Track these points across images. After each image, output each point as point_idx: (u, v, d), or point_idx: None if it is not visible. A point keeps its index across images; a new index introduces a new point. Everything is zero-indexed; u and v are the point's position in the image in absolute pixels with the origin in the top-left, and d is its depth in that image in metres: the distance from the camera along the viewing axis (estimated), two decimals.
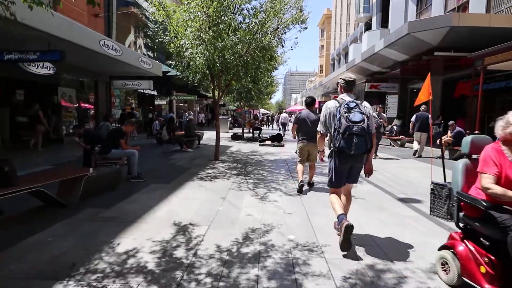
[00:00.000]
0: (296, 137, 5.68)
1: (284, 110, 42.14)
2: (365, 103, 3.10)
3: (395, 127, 14.49)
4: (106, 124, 7.56)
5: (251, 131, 17.58)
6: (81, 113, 13.91)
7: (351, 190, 3.45)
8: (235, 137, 16.15)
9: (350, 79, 3.19)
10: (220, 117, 25.03)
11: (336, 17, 43.93)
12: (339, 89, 3.30)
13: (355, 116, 2.86)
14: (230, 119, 24.86)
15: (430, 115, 6.64)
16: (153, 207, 4.34)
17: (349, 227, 2.85)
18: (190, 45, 6.67)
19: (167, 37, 7.23)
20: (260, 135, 16.51)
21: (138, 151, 6.18)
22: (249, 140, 15.54)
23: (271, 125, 30.07)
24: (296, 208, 4.45)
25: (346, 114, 2.89)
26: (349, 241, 2.88)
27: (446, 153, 9.90)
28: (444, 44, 12.93)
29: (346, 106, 2.93)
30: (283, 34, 7.47)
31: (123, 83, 15.62)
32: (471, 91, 12.58)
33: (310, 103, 5.54)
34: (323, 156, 3.59)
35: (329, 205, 3.37)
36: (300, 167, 5.50)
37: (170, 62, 7.81)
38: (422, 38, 12.89)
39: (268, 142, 13.35)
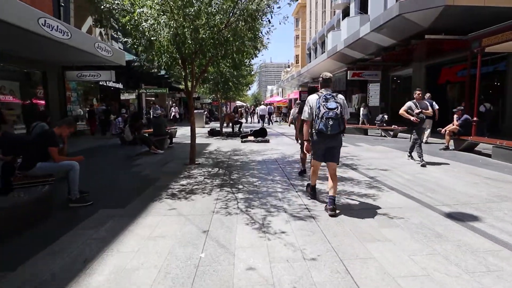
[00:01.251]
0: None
1: (262, 102, 40.53)
2: (339, 95, 3.77)
3: (385, 116, 13.34)
4: (40, 125, 5.62)
5: (230, 125, 15.86)
6: (27, 111, 11.62)
7: (336, 171, 3.94)
8: (212, 133, 14.42)
9: (327, 77, 3.90)
10: (195, 111, 23.24)
11: (311, 5, 42.65)
12: (319, 85, 3.96)
13: (331, 105, 3.62)
14: (205, 112, 22.94)
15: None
16: (90, 262, 2.64)
17: (314, 196, 4.38)
18: (151, 13, 4.89)
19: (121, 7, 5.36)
20: (241, 130, 14.87)
21: (81, 162, 4.40)
22: (229, 136, 13.87)
23: (250, 119, 28.13)
24: (319, 245, 2.90)
25: (324, 103, 3.64)
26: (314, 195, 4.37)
27: (451, 143, 8.78)
28: (435, 26, 11.82)
29: (324, 97, 3.69)
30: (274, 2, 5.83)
31: (79, 74, 13.45)
32: (457, 76, 11.64)
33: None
34: (310, 149, 4.05)
35: (367, 238, 3.11)
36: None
37: (126, 39, 5.93)
38: (413, 20, 11.69)
39: (251, 138, 11.76)
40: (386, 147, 9.87)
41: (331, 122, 3.59)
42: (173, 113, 17.41)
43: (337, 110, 3.61)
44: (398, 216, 3.60)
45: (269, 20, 6.74)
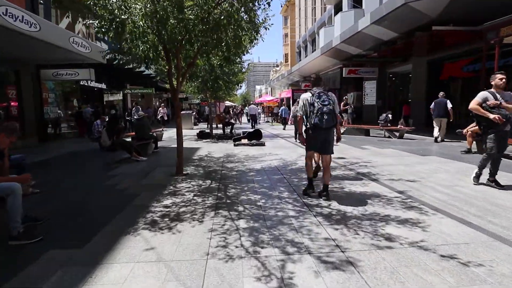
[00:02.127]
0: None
1: (251, 102, 39.33)
2: (330, 93, 4.18)
3: (390, 115, 12.40)
4: None
5: (221, 127, 14.65)
6: None
7: (330, 162, 4.32)
8: (202, 136, 13.22)
9: (316, 78, 4.41)
10: (182, 112, 21.87)
11: (300, 3, 41.74)
12: (311, 84, 4.68)
13: (325, 101, 4.01)
14: (194, 113, 21.64)
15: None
16: None
17: (312, 188, 4.53)
18: None
19: None
20: (233, 132, 13.69)
21: (26, 183, 3.19)
22: (220, 138, 12.69)
23: (239, 119, 26.86)
24: None
25: (318, 100, 4.04)
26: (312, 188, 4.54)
27: (474, 145, 7.84)
28: (444, 16, 10.91)
29: (317, 94, 4.09)
30: None
31: (55, 73, 12.08)
32: (462, 72, 10.86)
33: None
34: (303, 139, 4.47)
35: None
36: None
37: (91, 21, 4.69)
38: (419, 9, 10.73)
39: (245, 141, 10.62)
40: (396, 149, 8.88)
41: (325, 117, 3.96)
42: (160, 114, 16.09)
43: (330, 106, 3.98)
44: (473, 260, 2.51)
45: (268, 3, 5.64)
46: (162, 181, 5.59)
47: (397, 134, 11.76)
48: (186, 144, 11.39)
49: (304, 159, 4.59)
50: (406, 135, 11.77)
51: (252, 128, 22.91)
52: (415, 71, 16.93)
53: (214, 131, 14.05)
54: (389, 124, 12.35)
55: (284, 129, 18.66)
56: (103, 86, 18.49)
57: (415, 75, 16.91)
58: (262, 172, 6.22)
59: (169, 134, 15.22)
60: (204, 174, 6.16)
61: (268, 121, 25.63)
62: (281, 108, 22.48)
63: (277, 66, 71.25)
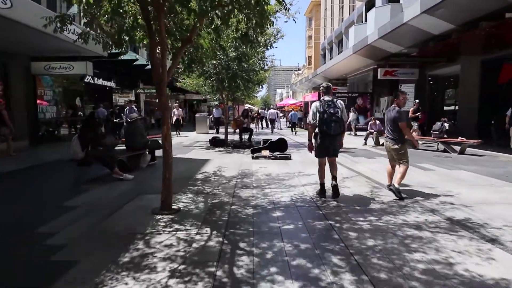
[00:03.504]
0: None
1: (271, 106, 37.04)
2: (339, 101, 4.35)
3: (446, 124, 9.85)
4: None
5: (238, 133, 12.46)
6: None
7: (335, 160, 4.62)
8: (215, 143, 11.11)
9: (328, 86, 4.56)
10: (197, 114, 19.92)
11: (326, 3, 39.25)
12: (320, 92, 4.57)
13: (333, 110, 4.19)
14: (210, 116, 19.57)
15: None
16: None
17: (324, 192, 4.62)
18: None
19: None
20: (252, 140, 11.50)
21: None
22: (236, 147, 10.53)
23: (259, 124, 24.43)
24: None
25: (327, 108, 4.20)
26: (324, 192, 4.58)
27: None
28: None
29: (326, 103, 4.25)
30: None
31: (47, 66, 10.33)
32: None
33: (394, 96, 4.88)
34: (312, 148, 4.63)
35: None
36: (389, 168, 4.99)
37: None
38: None
39: (266, 153, 8.38)
40: (471, 172, 6.41)
41: (333, 125, 4.19)
42: (175, 117, 14.11)
43: (338, 114, 4.20)
44: None
45: None
46: (132, 225, 3.45)
47: (455, 148, 9.17)
48: (193, 154, 9.31)
49: (317, 170, 4.78)
50: (468, 149, 9.18)
51: (271, 133, 21.35)
52: (464, 73, 14.18)
53: (230, 137, 11.91)
54: (445, 136, 9.80)
55: (295, 134, 18.19)
56: (112, 84, 16.83)
57: (464, 78, 14.16)
58: (293, 211, 3.97)
59: (180, 140, 13.25)
60: (203, 211, 3.98)
61: (289, 127, 23.31)
62: (290, 113, 21.32)
63: (299, 69, 68.78)
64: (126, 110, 11.56)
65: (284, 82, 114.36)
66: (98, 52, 10.49)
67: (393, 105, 4.74)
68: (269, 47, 11.34)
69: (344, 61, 19.44)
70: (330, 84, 4.63)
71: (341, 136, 4.45)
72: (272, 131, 20.47)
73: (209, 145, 11.30)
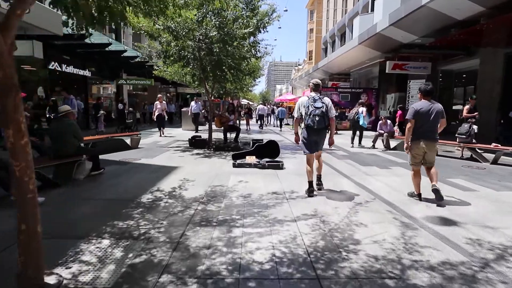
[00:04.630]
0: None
1: (260, 102, 34.99)
2: (326, 98, 4.47)
3: (474, 127, 7.97)
4: None
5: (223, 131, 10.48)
6: None
7: (320, 156, 4.74)
8: (195, 143, 9.21)
9: (317, 83, 4.53)
10: (183, 109, 17.84)
11: None
12: (309, 89, 4.61)
13: (318, 104, 4.24)
14: (203, 111, 17.33)
15: None
16: None
17: (312, 191, 4.42)
18: None
19: None
20: (238, 140, 9.56)
21: None
22: (218, 149, 8.62)
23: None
24: None
25: (312, 103, 4.26)
26: (312, 191, 4.42)
27: None
28: None
29: (312, 98, 4.30)
30: None
31: None
32: None
33: (430, 91, 4.23)
34: (298, 140, 4.61)
35: None
36: (415, 178, 4.35)
37: None
38: None
39: (251, 159, 6.47)
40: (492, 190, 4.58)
41: (317, 118, 4.20)
42: (157, 112, 12.02)
43: (323, 108, 4.22)
44: None
45: None
46: None
47: (478, 153, 7.29)
48: (163, 158, 7.39)
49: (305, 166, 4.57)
50: (503, 157, 7.33)
51: (260, 129, 18.74)
52: (484, 68, 12.30)
53: (217, 136, 9.99)
54: (474, 141, 7.92)
55: (280, 130, 17.33)
56: (87, 73, 14.83)
57: (484, 73, 12.28)
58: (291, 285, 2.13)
59: (158, 139, 11.33)
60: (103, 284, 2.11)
61: (288, 124, 21.36)
62: (278, 109, 20.03)
63: (299, 65, 66.67)
64: (63, 101, 9.28)
65: (284, 78, 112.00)
66: (50, 29, 8.62)
67: (427, 101, 4.19)
68: (262, 30, 9.39)
69: (348, 53, 17.49)
70: (320, 82, 4.66)
71: (330, 132, 4.54)
72: (262, 127, 18.91)
73: (188, 145, 9.41)
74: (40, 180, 4.47)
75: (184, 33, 8.13)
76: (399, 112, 13.56)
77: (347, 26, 28.71)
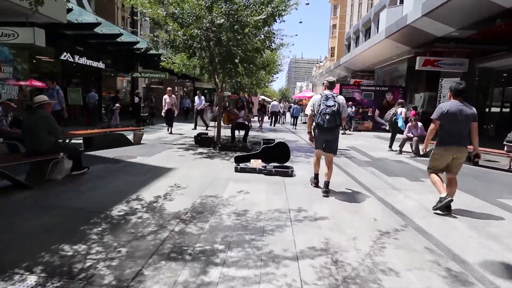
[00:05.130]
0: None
1: (282, 98, 33.93)
2: (339, 96, 4.30)
3: None
4: None
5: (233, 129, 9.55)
6: None
7: (332, 160, 4.45)
8: (200, 141, 8.42)
9: (332, 81, 4.46)
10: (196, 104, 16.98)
11: None
12: (323, 87, 4.50)
13: (329, 103, 4.13)
14: (208, 105, 16.00)
15: None
16: None
17: (317, 183, 4.59)
18: None
19: None
20: (247, 140, 8.66)
21: None
22: (224, 149, 7.78)
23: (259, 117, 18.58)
24: None
25: (324, 101, 4.17)
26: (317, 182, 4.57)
27: None
28: None
29: (325, 96, 4.21)
30: None
31: None
32: None
33: (461, 91, 3.73)
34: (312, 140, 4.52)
35: None
36: (436, 178, 3.86)
37: None
38: None
39: (256, 163, 5.56)
40: None
41: (327, 117, 4.10)
42: (166, 106, 11.19)
43: (334, 107, 4.11)
44: None
45: None
46: None
47: None
48: (160, 157, 6.57)
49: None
50: None
51: (273, 126, 17.76)
52: None
53: (225, 134, 9.13)
54: None
55: (294, 129, 16.60)
56: (101, 65, 14.39)
57: None
58: None
59: (165, 135, 10.63)
60: None
61: (305, 122, 20.27)
62: (293, 107, 19.45)
63: (321, 62, 64.83)
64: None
65: (305, 75, 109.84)
66: (53, 16, 8.04)
67: (457, 101, 3.73)
68: (277, 18, 8.44)
69: (373, 48, 16.16)
70: (335, 80, 4.65)
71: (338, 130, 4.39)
72: (274, 124, 18.18)
73: (194, 143, 8.63)
74: (9, 180, 3.79)
75: (190, 21, 7.33)
76: (413, 112, 12.55)
77: (373, 20, 27.07)
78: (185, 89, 27.49)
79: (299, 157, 7.32)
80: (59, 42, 11.78)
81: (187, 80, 25.95)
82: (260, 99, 32.58)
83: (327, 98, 4.16)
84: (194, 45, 7.67)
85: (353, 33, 33.15)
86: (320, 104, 4.18)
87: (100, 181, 4.56)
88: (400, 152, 8.54)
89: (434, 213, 3.73)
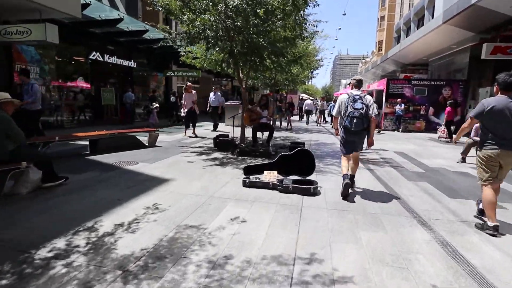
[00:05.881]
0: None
1: (300, 96, 31.69)
2: (367, 96, 4.00)
3: None
4: None
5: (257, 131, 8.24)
6: None
7: (358, 157, 4.33)
8: (219, 144, 7.39)
9: (359, 79, 4.25)
10: (227, 102, 16.00)
11: None
12: (350, 86, 4.26)
13: (358, 105, 3.88)
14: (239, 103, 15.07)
15: None
16: None
17: (347, 184, 3.86)
18: None
19: None
20: (270, 144, 7.39)
21: None
22: (243, 153, 6.63)
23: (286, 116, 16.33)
24: None
25: (351, 103, 3.92)
26: (347, 192, 3.85)
27: None
28: None
29: (353, 97, 3.95)
30: None
31: (3, 30, 7.65)
32: None
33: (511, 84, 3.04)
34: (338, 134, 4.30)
35: None
36: (491, 194, 3.05)
37: None
38: None
39: (270, 175, 4.32)
40: None
41: (355, 121, 3.86)
42: (189, 106, 9.86)
43: (362, 110, 3.85)
44: None
45: None
46: None
47: None
48: (163, 164, 5.54)
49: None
50: None
51: (306, 124, 16.72)
52: None
53: (248, 136, 7.96)
54: None
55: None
56: (132, 64, 14.12)
57: None
58: None
59: (178, 137, 9.77)
60: None
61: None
62: (330, 105, 18.34)
63: (367, 57, 60.89)
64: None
65: (350, 72, 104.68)
66: (67, 11, 7.56)
67: (505, 97, 3.02)
68: (310, 1, 7.12)
69: (427, 36, 13.89)
70: (362, 79, 4.49)
71: (369, 133, 4.06)
72: (307, 123, 17.31)
73: (213, 146, 7.63)
74: None
75: (204, 6, 6.31)
76: (448, 108, 10.60)
77: (427, 8, 24.03)
78: (222, 88, 26.94)
79: (331, 165, 5.92)
80: (88, 42, 11.60)
81: (224, 79, 25.35)
82: (300, 97, 30.93)
83: (354, 100, 3.93)
84: (211, 34, 6.64)
85: (404, 24, 30.03)
86: (347, 106, 3.97)
87: (70, 197, 3.68)
88: (463, 160, 6.69)
89: None
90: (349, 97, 3.99)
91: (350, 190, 4.03)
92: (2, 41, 7.64)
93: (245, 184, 4.29)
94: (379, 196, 4.07)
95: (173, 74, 16.94)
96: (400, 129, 13.94)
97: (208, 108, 11.95)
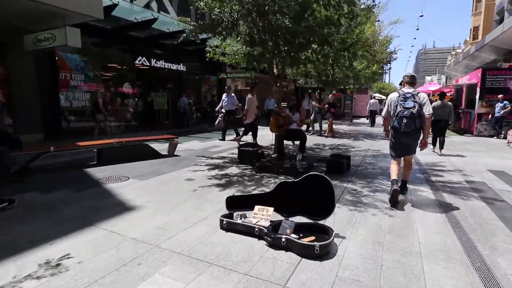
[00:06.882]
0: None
1: (372, 95, 26.69)
2: (421, 93, 3.67)
3: None
4: None
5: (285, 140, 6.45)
6: None
7: (411, 160, 3.96)
8: (242, 156, 6.04)
9: (412, 75, 3.88)
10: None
11: None
12: (403, 83, 3.94)
13: (408, 104, 3.55)
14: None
15: None
16: None
17: (396, 191, 3.49)
18: None
19: None
20: (301, 157, 5.62)
21: None
22: (264, 169, 5.16)
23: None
24: None
25: (402, 102, 3.60)
26: (396, 199, 3.51)
27: None
28: None
29: (403, 96, 3.64)
30: None
31: (34, 39, 7.70)
32: None
33: None
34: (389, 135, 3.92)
35: None
36: None
37: None
38: None
39: (261, 215, 2.80)
40: None
41: (404, 121, 3.56)
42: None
43: (413, 109, 3.54)
44: None
45: None
46: None
47: None
48: (157, 182, 4.43)
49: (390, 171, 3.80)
50: None
51: (370, 126, 14.68)
52: None
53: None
54: None
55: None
56: (181, 67, 13.81)
57: None
58: None
59: (214, 143, 8.70)
60: None
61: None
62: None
63: (457, 48, 52.39)
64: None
65: (437, 68, 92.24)
66: (88, 13, 7.18)
67: None
68: None
69: None
70: (415, 75, 3.96)
71: (424, 134, 3.70)
72: (373, 125, 15.71)
73: (237, 159, 6.31)
74: None
75: None
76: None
77: None
78: (285, 89, 25.49)
79: (381, 192, 4.05)
80: (133, 47, 11.53)
81: (289, 80, 23.86)
82: (371, 97, 27.43)
83: (405, 98, 3.61)
84: (225, 19, 5.39)
85: (509, 3, 24.35)
86: (397, 105, 3.65)
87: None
88: None
89: None
90: (399, 96, 3.68)
91: (401, 197, 3.70)
92: (33, 49, 7.70)
93: (222, 227, 2.86)
94: (447, 272, 2.20)
95: (225, 76, 16.25)
96: (502, 135, 10.52)
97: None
